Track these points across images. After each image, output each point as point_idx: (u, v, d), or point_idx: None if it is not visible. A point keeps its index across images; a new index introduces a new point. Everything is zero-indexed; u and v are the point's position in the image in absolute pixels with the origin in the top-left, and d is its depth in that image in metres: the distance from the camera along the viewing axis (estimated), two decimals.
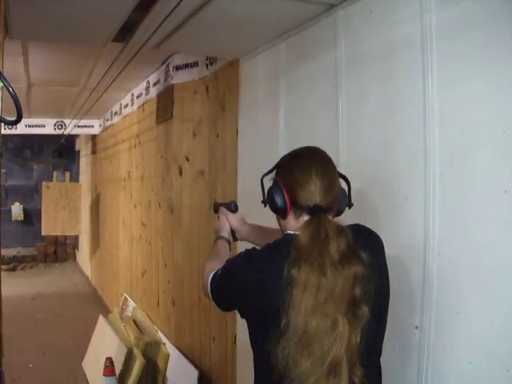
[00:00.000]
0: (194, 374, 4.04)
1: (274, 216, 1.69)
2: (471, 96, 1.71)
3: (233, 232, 2.02)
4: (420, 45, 1.90)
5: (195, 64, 4.23)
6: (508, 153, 1.58)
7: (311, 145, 1.68)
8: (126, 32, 2.86)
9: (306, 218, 1.55)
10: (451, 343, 1.77)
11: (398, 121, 2.04)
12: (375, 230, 1.64)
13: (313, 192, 1.53)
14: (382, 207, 2.11)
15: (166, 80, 4.67)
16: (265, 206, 1.66)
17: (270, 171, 1.70)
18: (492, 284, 1.63)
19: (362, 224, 1.64)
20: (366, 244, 1.51)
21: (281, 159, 1.68)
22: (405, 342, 1.95)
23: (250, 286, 1.51)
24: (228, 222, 2.01)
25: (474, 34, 1.69)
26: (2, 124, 1.94)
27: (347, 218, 1.66)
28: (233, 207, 2.04)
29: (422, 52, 1.89)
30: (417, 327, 1.90)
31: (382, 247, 1.61)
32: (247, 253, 1.59)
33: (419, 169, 1.90)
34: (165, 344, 4.59)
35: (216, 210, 2.10)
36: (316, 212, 1.52)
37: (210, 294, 1.68)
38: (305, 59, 2.68)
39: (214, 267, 1.68)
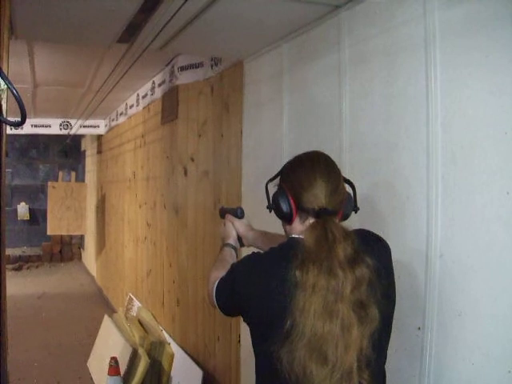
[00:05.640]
0: (198, 374, 4.04)
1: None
2: (474, 97, 1.71)
3: (239, 238, 2.01)
4: (423, 45, 1.90)
5: (200, 65, 4.24)
6: (510, 154, 1.58)
7: (315, 145, 1.69)
8: (130, 33, 2.87)
9: (311, 221, 1.54)
10: (453, 344, 1.77)
11: (401, 121, 2.04)
12: (377, 232, 1.64)
13: (318, 195, 1.52)
14: (383, 208, 2.12)
15: (171, 81, 4.68)
16: (270, 211, 1.66)
17: (275, 177, 1.69)
18: (494, 285, 1.64)
19: (368, 229, 1.63)
20: (372, 249, 1.50)
21: (285, 165, 1.67)
22: (407, 343, 1.95)
23: (255, 290, 1.51)
24: (234, 228, 2.01)
25: (476, 35, 1.70)
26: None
27: (350, 219, 1.66)
28: (239, 213, 2.03)
29: (425, 53, 1.89)
30: (419, 328, 1.90)
31: (389, 254, 1.60)
32: (251, 257, 1.59)
33: (422, 169, 1.90)
34: (169, 344, 4.61)
35: (222, 215, 2.08)
36: (322, 215, 1.51)
37: (215, 302, 1.67)
38: (308, 60, 2.68)
39: (218, 275, 1.67)
